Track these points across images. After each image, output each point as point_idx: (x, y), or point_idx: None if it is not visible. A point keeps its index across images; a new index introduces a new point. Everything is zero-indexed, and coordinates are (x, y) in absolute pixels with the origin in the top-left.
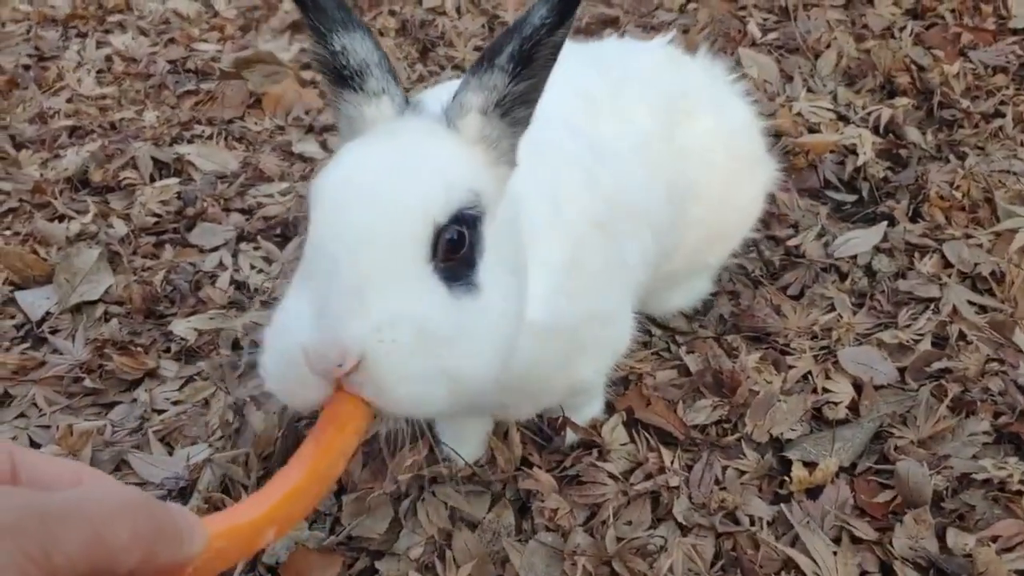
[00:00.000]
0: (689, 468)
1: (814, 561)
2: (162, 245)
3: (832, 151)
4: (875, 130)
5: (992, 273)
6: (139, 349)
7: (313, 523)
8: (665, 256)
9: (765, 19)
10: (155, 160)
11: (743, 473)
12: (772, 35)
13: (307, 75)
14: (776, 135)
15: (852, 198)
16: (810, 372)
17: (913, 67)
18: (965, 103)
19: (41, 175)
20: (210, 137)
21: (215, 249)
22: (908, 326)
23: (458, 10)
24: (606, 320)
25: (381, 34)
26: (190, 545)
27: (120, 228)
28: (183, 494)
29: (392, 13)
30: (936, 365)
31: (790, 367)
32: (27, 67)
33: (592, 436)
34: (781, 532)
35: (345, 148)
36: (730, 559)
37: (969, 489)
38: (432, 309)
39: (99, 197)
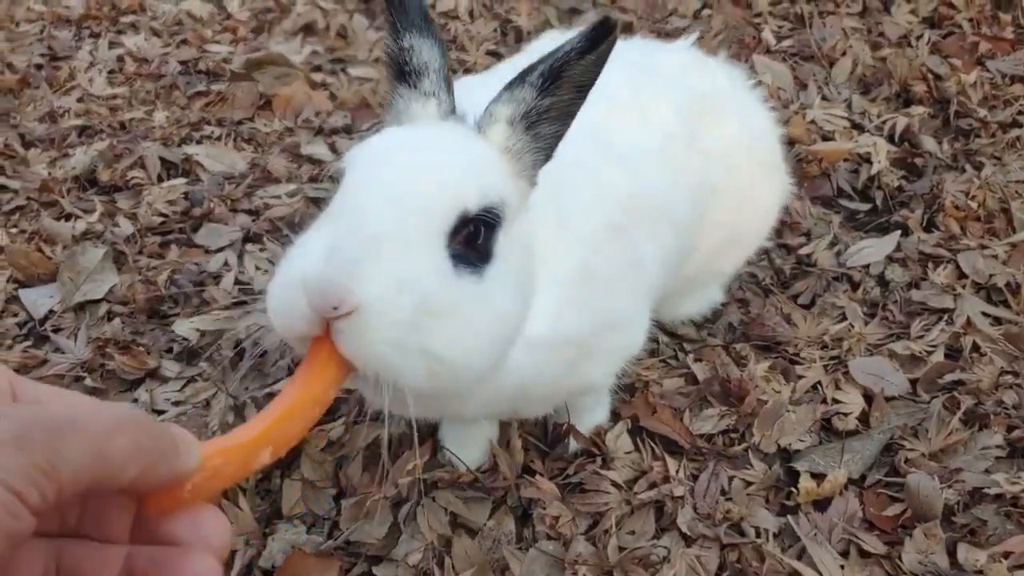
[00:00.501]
0: (694, 478)
1: (821, 575)
2: (168, 245)
3: (846, 159)
4: (890, 139)
5: (1007, 284)
6: (141, 349)
7: (311, 527)
8: (686, 257)
9: (780, 26)
10: (163, 160)
11: (750, 484)
12: (787, 42)
13: (317, 77)
14: (790, 143)
15: (866, 207)
16: (820, 382)
17: (930, 76)
18: (982, 112)
19: (49, 174)
20: (219, 138)
21: (220, 250)
22: (921, 337)
23: (471, 14)
24: (618, 325)
25: None
26: (187, 459)
27: (126, 227)
28: None
29: None
30: (949, 377)
31: (799, 377)
32: (39, 66)
33: (596, 444)
34: (787, 545)
35: (390, 129)
36: (735, 571)
37: (981, 504)
38: (437, 285)
39: (106, 196)
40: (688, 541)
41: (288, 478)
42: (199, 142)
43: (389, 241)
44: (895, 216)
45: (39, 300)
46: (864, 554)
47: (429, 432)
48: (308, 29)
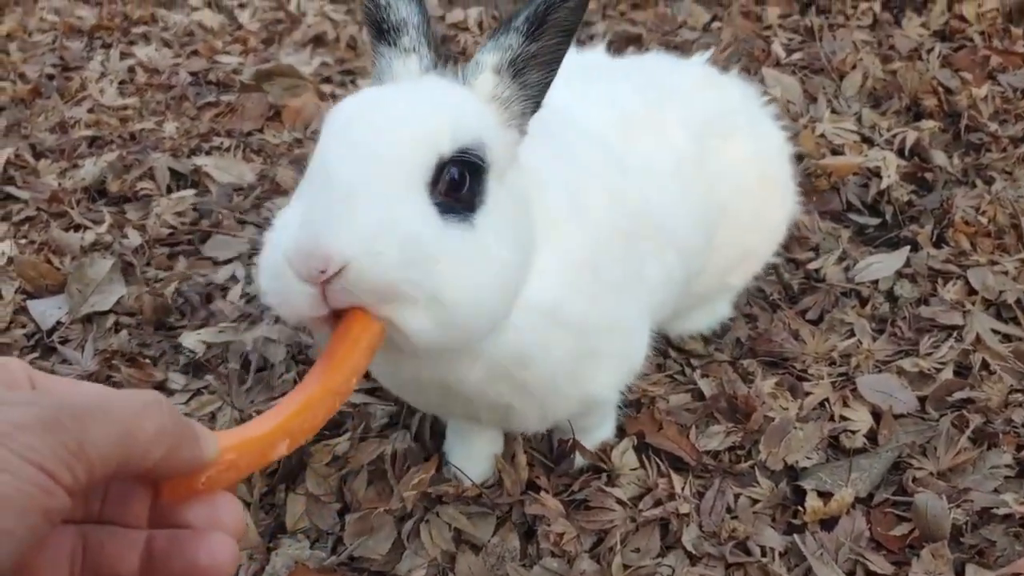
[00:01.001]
0: (700, 495)
1: None
2: (176, 257)
3: (855, 173)
4: (900, 153)
5: (1017, 301)
6: (148, 361)
7: (315, 542)
8: (695, 276)
9: (790, 39)
10: (172, 171)
11: (756, 502)
12: (796, 55)
13: (327, 89)
14: (799, 156)
15: (875, 222)
16: (827, 399)
17: (940, 89)
18: (993, 127)
19: (59, 184)
20: (228, 149)
21: (228, 262)
22: (930, 354)
23: (480, 26)
24: (618, 331)
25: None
26: (206, 444)
27: (135, 239)
28: None
29: None
30: (958, 395)
31: (807, 393)
32: (51, 77)
33: (601, 460)
34: (793, 564)
35: (364, 89)
36: None
37: (990, 524)
38: (421, 227)
39: (115, 207)
40: (693, 560)
41: (292, 492)
42: (208, 153)
43: (362, 195)
44: (904, 231)
45: (47, 311)
46: (871, 574)
47: (435, 447)
48: (318, 40)
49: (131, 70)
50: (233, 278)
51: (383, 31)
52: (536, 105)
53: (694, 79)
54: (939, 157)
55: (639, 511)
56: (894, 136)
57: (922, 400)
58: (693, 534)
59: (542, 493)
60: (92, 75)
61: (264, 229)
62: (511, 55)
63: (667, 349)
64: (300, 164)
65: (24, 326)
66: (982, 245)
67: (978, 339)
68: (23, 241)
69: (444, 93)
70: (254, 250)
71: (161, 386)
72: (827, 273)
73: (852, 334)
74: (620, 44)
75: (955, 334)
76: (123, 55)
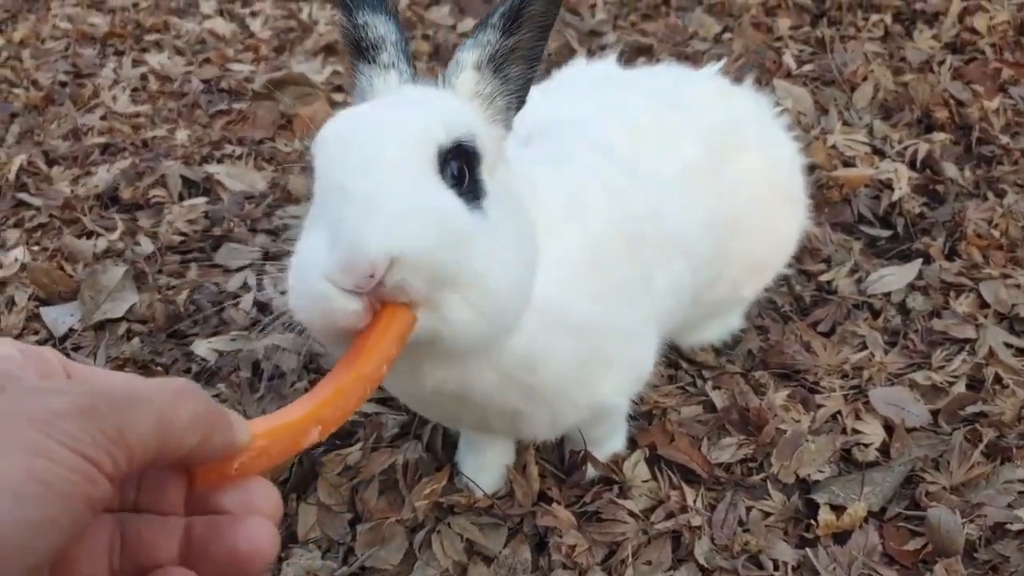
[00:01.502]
0: (712, 508)
1: None
2: (188, 264)
3: (867, 185)
4: (911, 165)
5: None
6: (159, 368)
7: (326, 552)
8: (706, 287)
9: (801, 50)
10: (184, 179)
11: (768, 515)
12: (808, 67)
13: (338, 97)
14: (810, 168)
15: (886, 234)
16: (839, 412)
17: (952, 102)
18: (1004, 139)
19: (72, 191)
20: (240, 157)
21: (240, 269)
22: (942, 367)
23: None
24: (627, 337)
25: (415, 58)
26: (239, 430)
27: (147, 246)
28: None
29: (426, 37)
30: (971, 409)
31: (819, 406)
32: (64, 84)
33: (613, 472)
34: None
35: (347, 109)
36: None
37: (1003, 539)
38: (451, 208)
39: (128, 215)
40: (705, 573)
41: (304, 502)
42: (220, 161)
43: (383, 194)
44: (916, 244)
45: (59, 318)
46: None
47: (447, 457)
48: (329, 49)
49: (143, 77)
50: (245, 286)
51: (362, 49)
52: (520, 101)
53: (705, 89)
54: (951, 169)
55: (651, 523)
56: (905, 148)
57: (935, 414)
58: (705, 547)
59: (554, 505)
60: (105, 82)
61: (276, 237)
62: (490, 51)
63: (679, 361)
64: (311, 171)
65: (36, 333)
66: (994, 258)
67: (991, 352)
68: (36, 248)
69: (426, 96)
70: (266, 257)
71: None
72: (839, 285)
73: (864, 347)
74: (631, 55)
75: (968, 347)
76: (135, 63)
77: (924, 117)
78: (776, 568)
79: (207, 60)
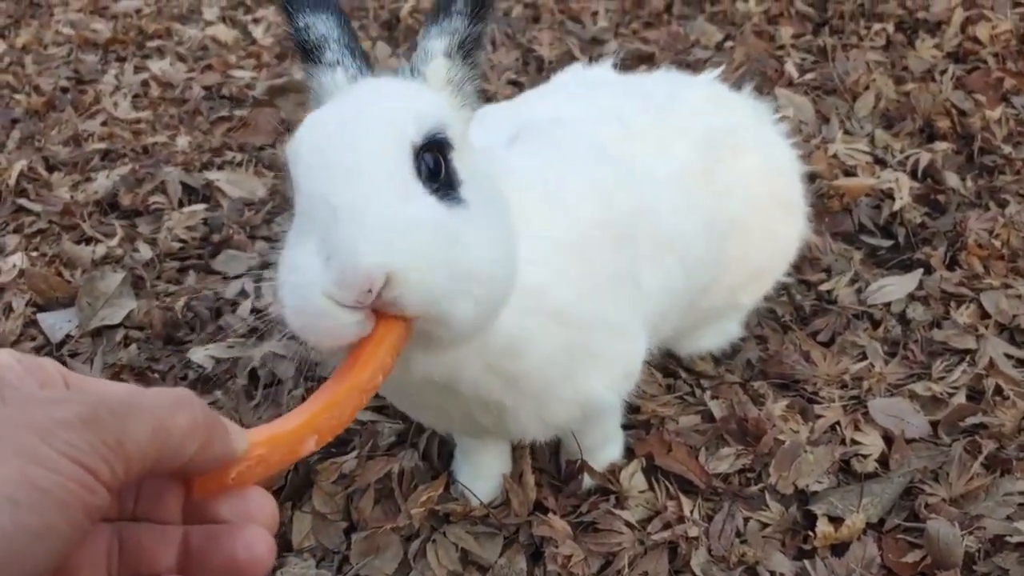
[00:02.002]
0: (709, 518)
1: None
2: (186, 271)
3: (868, 195)
4: (913, 174)
5: None
6: (156, 375)
7: (321, 561)
8: (702, 291)
9: (803, 59)
10: (184, 185)
11: (765, 526)
12: (809, 75)
13: None
14: (811, 177)
15: (887, 243)
16: (839, 422)
17: (953, 111)
18: (1007, 149)
19: (71, 197)
20: (240, 164)
21: (238, 277)
22: (942, 378)
23: (493, 43)
24: (614, 332)
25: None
26: (236, 439)
27: (145, 252)
28: None
29: None
30: (971, 420)
31: (818, 416)
32: (65, 90)
33: (609, 481)
34: None
35: (312, 113)
36: None
37: (1003, 552)
38: (434, 214)
39: (127, 221)
40: None
41: (299, 510)
42: (220, 167)
43: (368, 206)
44: (917, 253)
45: (57, 324)
46: None
47: (443, 466)
48: None
49: (145, 84)
50: (243, 293)
51: (307, 51)
52: (479, 77)
53: (702, 94)
54: (952, 179)
55: (647, 534)
56: (907, 157)
57: (934, 425)
58: (702, 558)
59: (550, 514)
60: (106, 88)
61: (275, 244)
62: (459, 38)
63: (677, 370)
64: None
65: (34, 339)
66: (995, 268)
67: (991, 364)
68: (35, 254)
69: (391, 91)
70: (264, 265)
71: None
72: (839, 295)
73: (864, 357)
74: (632, 63)
75: (968, 358)
76: (137, 69)
77: (926, 126)
78: None
79: (209, 67)
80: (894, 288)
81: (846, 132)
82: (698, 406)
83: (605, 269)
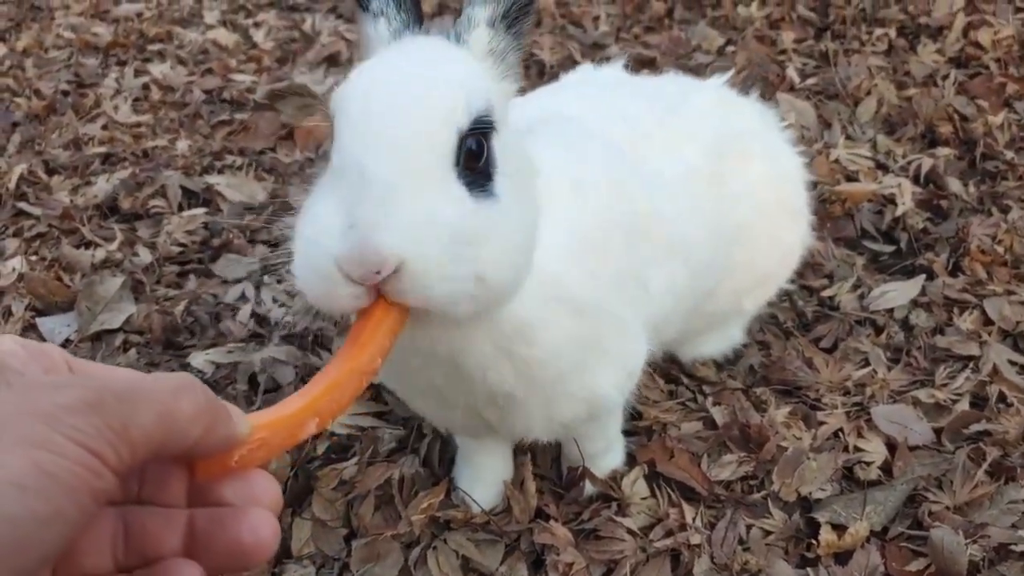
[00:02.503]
0: (712, 526)
1: None
2: (186, 275)
3: (870, 200)
4: (915, 180)
5: None
6: None
7: (321, 568)
8: (707, 296)
9: (804, 64)
10: (184, 189)
11: (768, 533)
12: (811, 80)
13: None
14: (813, 182)
15: (890, 249)
16: (841, 429)
17: (956, 116)
18: (1009, 155)
19: (71, 201)
20: (240, 168)
21: (238, 281)
22: (945, 385)
23: None
24: (622, 327)
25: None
26: (239, 423)
27: (145, 256)
28: None
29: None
30: (974, 427)
31: (821, 423)
32: (66, 93)
33: (611, 488)
34: None
35: (363, 64)
36: None
37: (1007, 561)
38: (460, 214)
39: (127, 225)
40: None
41: (299, 517)
42: (220, 171)
43: (402, 190)
44: (920, 259)
45: (56, 328)
46: None
47: (443, 472)
48: (331, 60)
49: (145, 87)
50: (243, 297)
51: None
52: (523, 47)
53: (709, 99)
54: (954, 185)
55: (650, 541)
56: (909, 163)
57: (938, 432)
58: (704, 566)
59: (551, 521)
60: (107, 92)
61: (276, 248)
62: (504, 7)
63: (679, 376)
64: (311, 184)
65: None
66: (998, 274)
67: (995, 370)
68: (34, 258)
69: (444, 58)
70: (265, 269)
71: None
72: (841, 301)
73: (867, 363)
74: (634, 67)
75: (971, 365)
76: (138, 72)
77: (928, 132)
78: None
79: (209, 70)
80: (897, 294)
81: (848, 137)
82: (700, 412)
83: (616, 264)
